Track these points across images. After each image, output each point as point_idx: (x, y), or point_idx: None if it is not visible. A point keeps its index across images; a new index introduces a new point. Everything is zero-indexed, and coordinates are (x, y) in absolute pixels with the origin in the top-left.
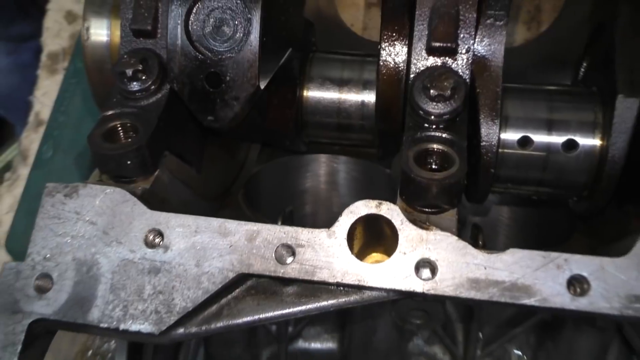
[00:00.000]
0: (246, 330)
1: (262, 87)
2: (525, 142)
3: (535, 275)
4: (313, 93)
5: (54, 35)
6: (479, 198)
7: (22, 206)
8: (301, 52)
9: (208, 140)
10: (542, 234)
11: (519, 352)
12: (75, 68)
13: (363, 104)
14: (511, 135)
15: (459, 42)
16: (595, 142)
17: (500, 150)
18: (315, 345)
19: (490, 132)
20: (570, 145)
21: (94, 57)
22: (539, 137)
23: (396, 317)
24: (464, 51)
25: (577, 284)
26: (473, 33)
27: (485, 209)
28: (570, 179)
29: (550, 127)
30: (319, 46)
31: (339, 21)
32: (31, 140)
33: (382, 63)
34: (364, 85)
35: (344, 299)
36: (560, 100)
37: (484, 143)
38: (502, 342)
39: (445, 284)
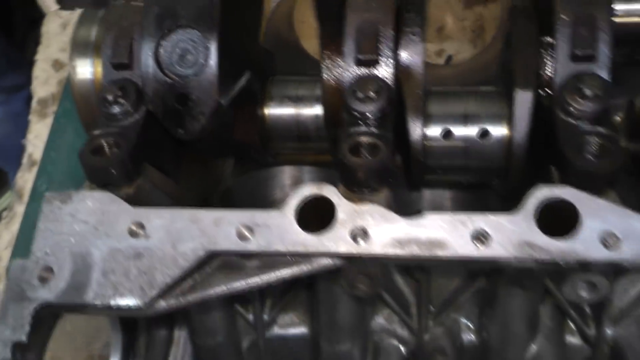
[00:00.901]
0: (226, 319)
1: (223, 103)
2: (447, 134)
3: (447, 232)
4: (274, 110)
5: (43, 83)
6: (415, 186)
7: (20, 239)
8: (262, 75)
9: (185, 155)
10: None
11: (466, 321)
12: (64, 109)
13: (317, 116)
14: (435, 130)
15: (380, 54)
16: (503, 130)
17: (426, 143)
18: (289, 330)
19: (416, 128)
20: (483, 133)
21: (81, 91)
22: (458, 129)
23: (344, 284)
24: (385, 61)
25: (480, 236)
26: (392, 47)
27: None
28: (487, 163)
29: (466, 120)
30: (284, 71)
31: (301, 50)
32: (25, 180)
33: (324, 78)
34: (317, 100)
35: (297, 268)
36: (474, 98)
37: (411, 137)
38: (449, 312)
39: (375, 245)
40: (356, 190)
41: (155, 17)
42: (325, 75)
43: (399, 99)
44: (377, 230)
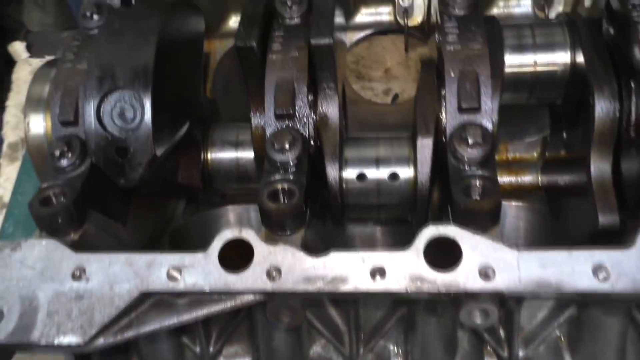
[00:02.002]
0: (174, 351)
1: (158, 154)
2: (361, 177)
3: (349, 269)
4: (215, 154)
5: (13, 128)
6: (337, 223)
7: None
8: (205, 122)
9: (131, 200)
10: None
11: (393, 347)
12: None
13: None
14: (351, 173)
15: (296, 109)
16: (410, 172)
17: (344, 185)
18: None
19: (333, 172)
20: (393, 176)
21: (35, 145)
22: (371, 172)
23: (270, 316)
24: (301, 114)
25: (378, 272)
26: (307, 101)
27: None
28: (397, 202)
29: (378, 164)
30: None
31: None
32: None
33: (253, 128)
34: None
35: (223, 304)
36: (385, 144)
37: (329, 180)
38: (377, 339)
39: (286, 283)
40: (275, 232)
41: (96, 79)
42: (254, 126)
43: (318, 146)
44: (289, 268)
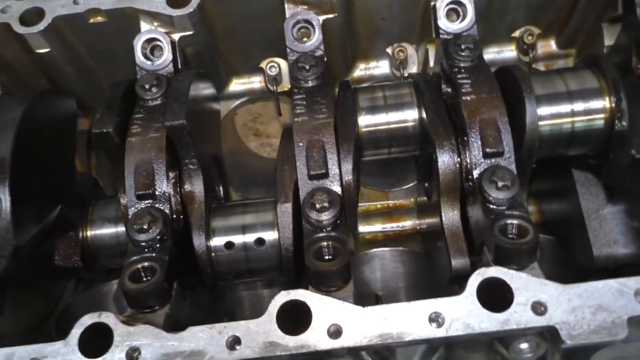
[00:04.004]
0: None
1: (21, 243)
2: (229, 245)
3: (206, 342)
4: (95, 232)
5: None
6: (213, 291)
7: None
8: (82, 202)
9: (5, 289)
10: None
11: None
12: None
13: None
14: (219, 241)
15: (156, 188)
16: (275, 235)
17: (212, 254)
18: None
19: (200, 242)
20: (259, 241)
21: None
22: (238, 239)
23: None
24: (161, 193)
25: (234, 342)
26: (166, 179)
27: None
28: (268, 266)
29: (244, 230)
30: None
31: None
32: None
33: (122, 209)
34: None
35: None
36: (250, 210)
37: (197, 251)
38: None
39: None
40: (138, 311)
41: None
42: (122, 206)
43: (187, 220)
44: (149, 348)
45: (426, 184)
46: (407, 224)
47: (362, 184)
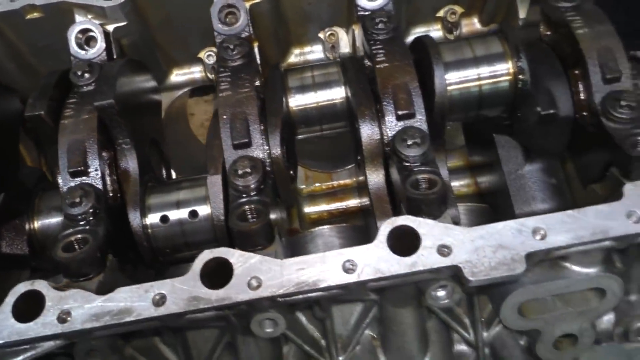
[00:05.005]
0: None
1: None
2: (164, 219)
3: (133, 301)
4: (42, 221)
5: None
6: (151, 267)
7: None
8: (28, 193)
9: None
10: None
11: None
12: None
13: None
14: (154, 218)
15: (89, 165)
16: (208, 208)
17: (149, 230)
18: None
19: (135, 218)
20: (193, 213)
21: None
22: (172, 214)
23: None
24: (94, 170)
25: (160, 299)
26: (97, 158)
27: None
28: (203, 237)
29: (178, 205)
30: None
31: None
32: None
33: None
34: None
35: (22, 356)
36: (185, 187)
37: (133, 226)
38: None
39: (76, 323)
40: (74, 279)
41: None
42: (60, 186)
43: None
44: (79, 310)
45: (358, 157)
46: (351, 202)
47: (307, 166)
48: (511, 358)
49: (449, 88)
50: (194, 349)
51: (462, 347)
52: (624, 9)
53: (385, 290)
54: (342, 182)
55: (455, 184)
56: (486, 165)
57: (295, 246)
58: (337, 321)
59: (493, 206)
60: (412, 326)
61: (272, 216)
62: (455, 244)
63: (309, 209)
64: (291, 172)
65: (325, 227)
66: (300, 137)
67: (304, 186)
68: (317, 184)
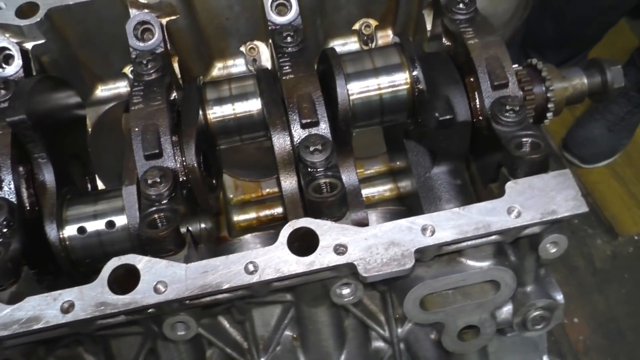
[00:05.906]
0: None
1: None
2: (81, 230)
3: (40, 309)
4: None
5: None
6: (70, 278)
7: None
8: None
9: None
10: None
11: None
12: None
13: None
14: (71, 229)
15: (2, 179)
16: (125, 219)
17: (67, 242)
18: None
19: (51, 228)
20: (110, 224)
21: None
22: (90, 225)
23: None
24: (6, 185)
25: (68, 306)
26: (10, 172)
27: None
28: (121, 247)
29: (96, 216)
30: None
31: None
32: None
33: None
34: None
35: None
36: (100, 197)
37: (49, 238)
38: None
39: None
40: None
41: None
42: None
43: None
44: None
45: None
46: (279, 210)
47: (237, 176)
48: (423, 351)
49: (352, 97)
50: (118, 356)
51: (379, 344)
52: (552, 17)
53: (296, 290)
54: (270, 190)
55: (379, 189)
56: (403, 170)
57: (223, 254)
58: (257, 323)
59: (410, 208)
60: (327, 324)
61: (190, 224)
62: (350, 242)
63: (237, 217)
64: (213, 181)
65: (251, 235)
66: (223, 147)
67: (232, 195)
68: (247, 193)
